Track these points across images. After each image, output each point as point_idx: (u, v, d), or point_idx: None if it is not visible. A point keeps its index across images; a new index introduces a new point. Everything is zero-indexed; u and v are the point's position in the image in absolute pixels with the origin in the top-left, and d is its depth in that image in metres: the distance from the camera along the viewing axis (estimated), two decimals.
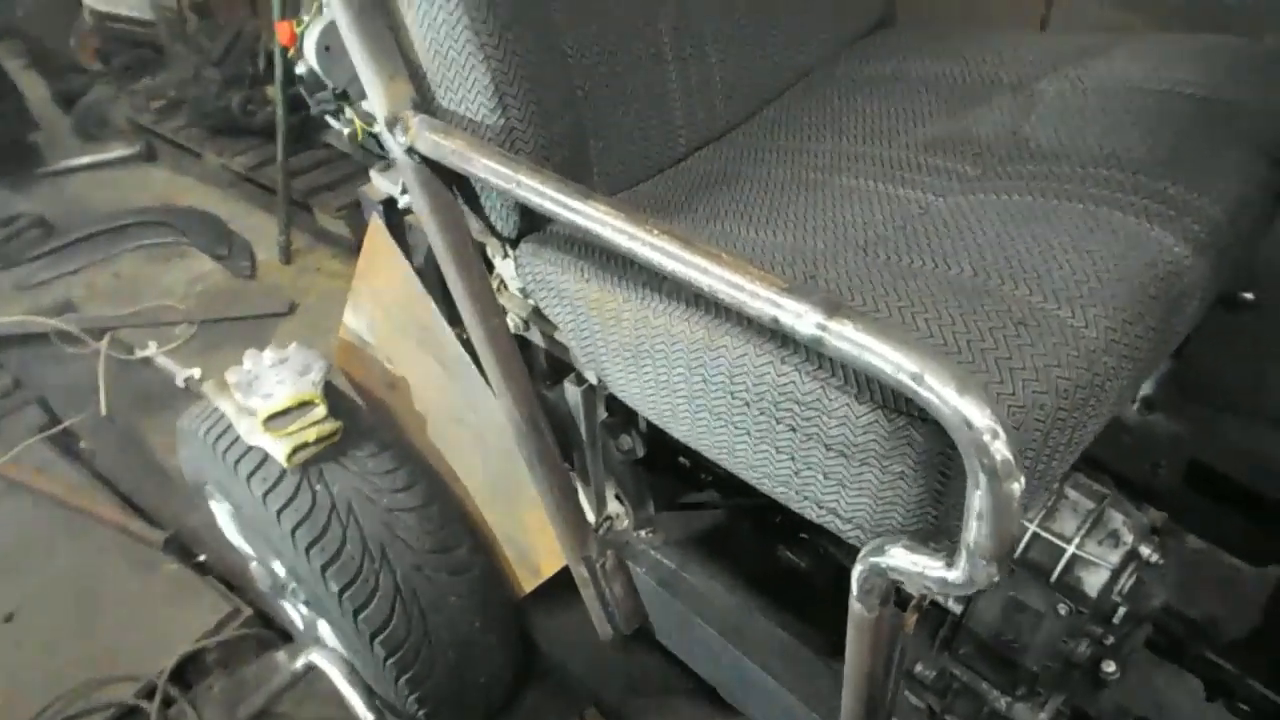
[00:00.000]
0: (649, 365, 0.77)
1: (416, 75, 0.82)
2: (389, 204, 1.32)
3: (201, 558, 1.95)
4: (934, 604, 1.05)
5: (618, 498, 1.12)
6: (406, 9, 0.78)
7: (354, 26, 0.77)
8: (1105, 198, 0.75)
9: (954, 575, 0.58)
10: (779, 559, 1.24)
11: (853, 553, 0.67)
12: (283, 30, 1.18)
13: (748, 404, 0.69)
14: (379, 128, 0.82)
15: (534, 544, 1.21)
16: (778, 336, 0.65)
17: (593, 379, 0.92)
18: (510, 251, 0.92)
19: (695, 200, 0.93)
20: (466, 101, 0.79)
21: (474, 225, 0.91)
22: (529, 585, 1.28)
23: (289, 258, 2.65)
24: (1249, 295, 0.84)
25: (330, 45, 1.17)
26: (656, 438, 1.05)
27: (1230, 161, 0.78)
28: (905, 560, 0.62)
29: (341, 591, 1.19)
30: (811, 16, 1.10)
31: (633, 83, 0.95)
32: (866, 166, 0.92)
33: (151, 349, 2.38)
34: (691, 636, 1.03)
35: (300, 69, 1.19)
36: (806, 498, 0.71)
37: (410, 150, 0.81)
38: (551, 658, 1.46)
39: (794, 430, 0.69)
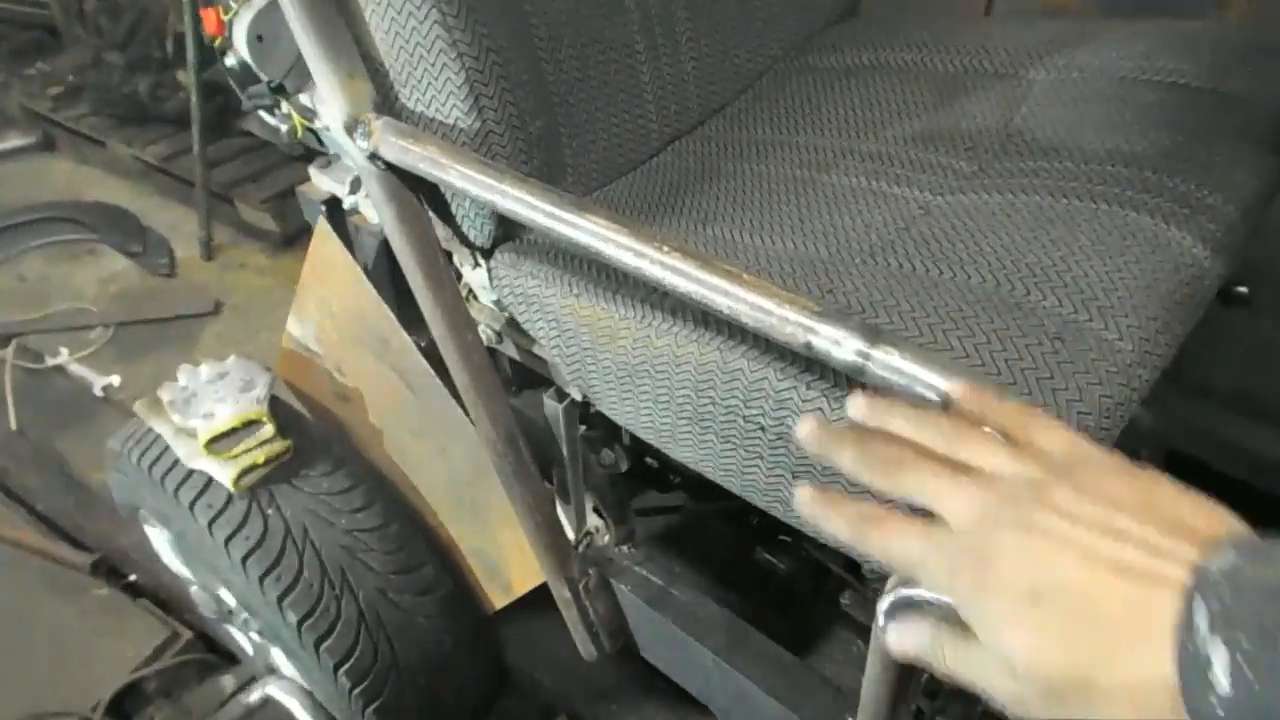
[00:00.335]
0: (647, 385, 0.72)
1: (377, 73, 0.74)
2: (332, 204, 1.23)
3: (132, 578, 1.83)
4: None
5: (596, 511, 1.07)
6: (365, 1, 0.70)
7: (305, 20, 0.69)
8: (1116, 196, 0.72)
9: None
10: (762, 565, 1.21)
11: (837, 555, 0.63)
12: (208, 18, 1.07)
13: (763, 429, 0.65)
14: (336, 133, 0.74)
15: (505, 560, 1.15)
16: (801, 360, 0.60)
17: (576, 395, 0.87)
18: (482, 261, 0.85)
19: (679, 202, 0.88)
20: (436, 103, 0.72)
21: (440, 233, 0.84)
22: (500, 602, 1.22)
23: (211, 254, 2.50)
24: (1243, 289, 0.83)
25: (263, 34, 1.07)
26: (635, 448, 1.00)
27: (1234, 155, 0.76)
28: None
29: (300, 622, 1.12)
30: (782, 3, 1.05)
31: (605, 76, 0.89)
32: (854, 163, 0.88)
33: (63, 356, 2.22)
34: (682, 654, 0.99)
35: (229, 61, 1.09)
36: None
37: (373, 156, 0.73)
38: (521, 669, 1.41)
39: None
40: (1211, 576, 0.33)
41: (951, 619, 0.40)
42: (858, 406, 0.46)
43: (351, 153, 0.75)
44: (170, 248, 2.54)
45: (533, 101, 0.76)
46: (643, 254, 0.58)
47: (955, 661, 0.40)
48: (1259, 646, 0.30)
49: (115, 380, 2.16)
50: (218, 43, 1.09)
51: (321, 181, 1.21)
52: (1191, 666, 0.32)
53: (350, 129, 0.73)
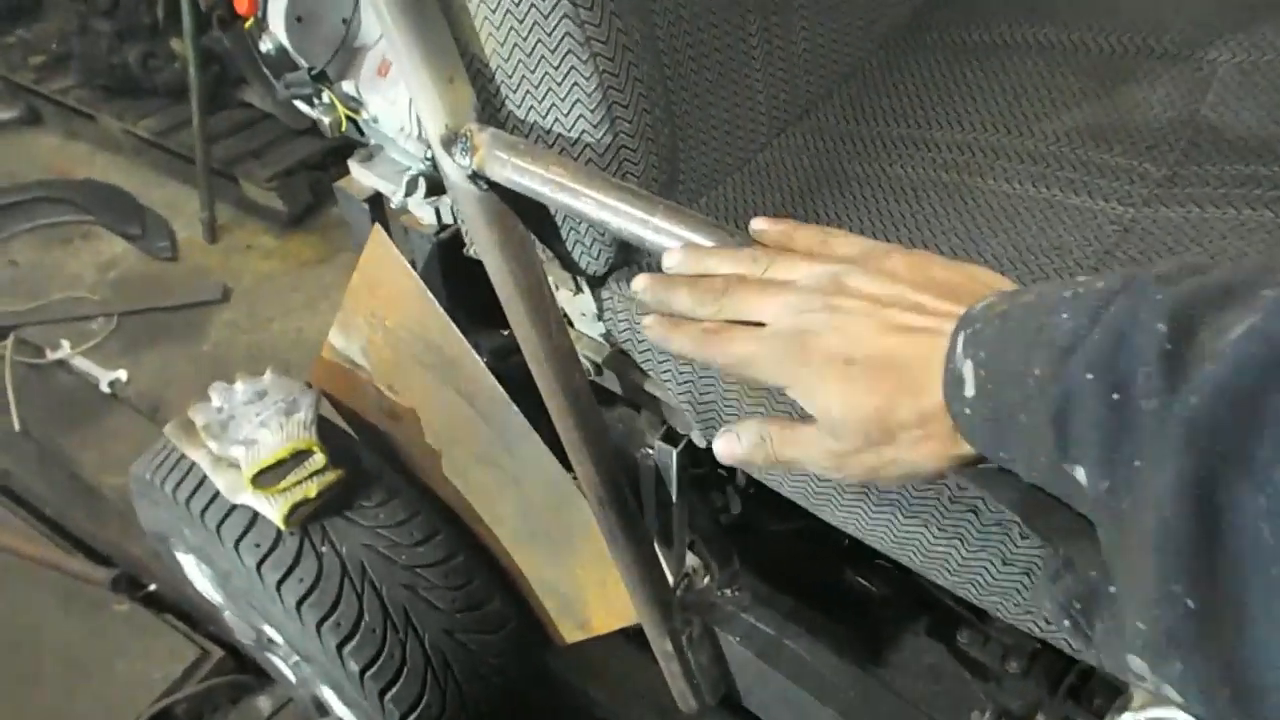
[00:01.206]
0: None
1: (479, 76, 0.61)
2: (375, 202, 1.10)
3: (152, 587, 1.72)
4: (1044, 644, 0.94)
5: (691, 547, 0.96)
6: None
7: (398, 12, 0.56)
8: None
9: None
10: (854, 588, 1.11)
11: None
12: None
13: (975, 511, 0.54)
14: (432, 147, 0.61)
15: (583, 598, 1.05)
16: None
17: (700, 441, 0.75)
18: (587, 288, 0.73)
19: (809, 212, 0.76)
20: (556, 112, 0.60)
21: (540, 253, 0.72)
22: (573, 637, 1.12)
23: (214, 235, 2.35)
24: None
25: (303, 15, 0.93)
26: (748, 488, 0.89)
27: None
28: None
29: (363, 671, 1.01)
30: None
31: (720, 65, 0.76)
32: (1012, 165, 0.76)
33: (65, 349, 2.08)
34: (796, 712, 0.89)
35: (265, 45, 0.95)
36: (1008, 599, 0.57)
37: (475, 176, 0.61)
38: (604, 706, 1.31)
39: (1025, 539, 0.54)
40: (972, 314, 0.40)
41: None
42: (673, 257, 0.51)
43: (447, 170, 0.62)
44: (171, 229, 2.39)
45: (662, 107, 0.64)
46: None
47: (782, 444, 0.48)
48: (991, 354, 0.38)
49: (122, 375, 2.03)
50: (249, 25, 0.96)
51: (364, 177, 1.08)
52: (952, 382, 0.39)
53: (448, 143, 0.60)
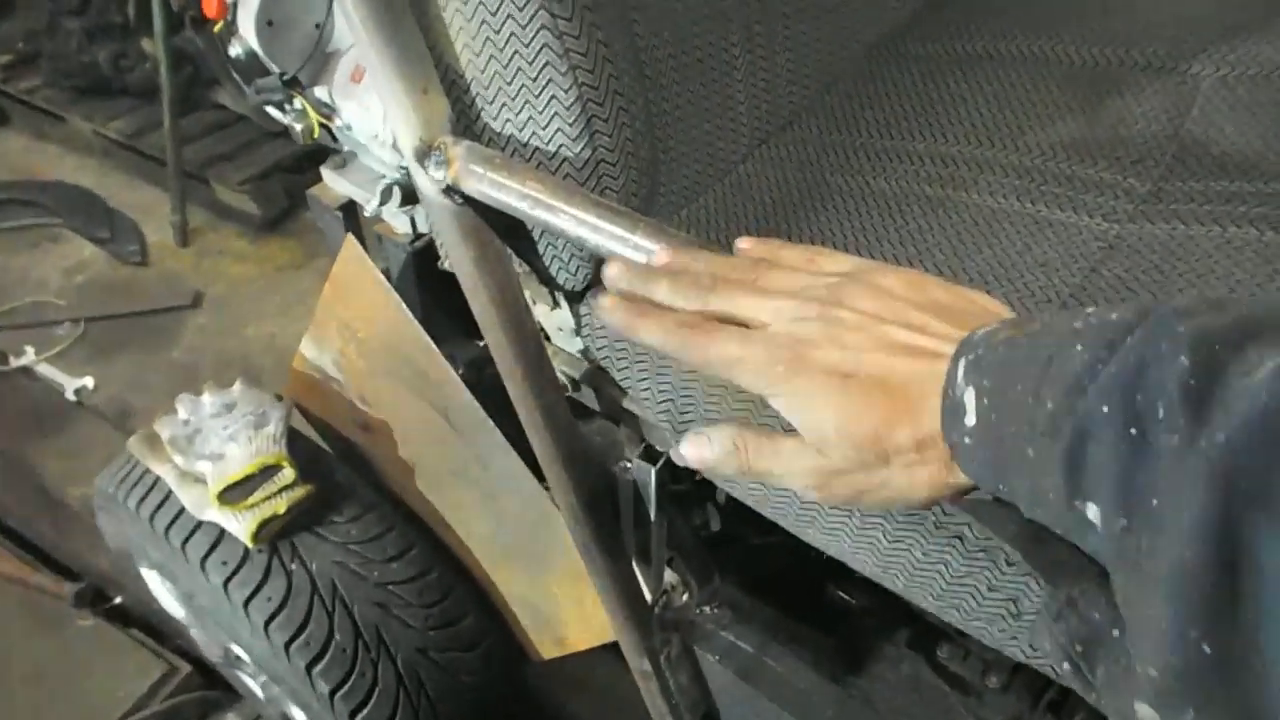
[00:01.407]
0: None
1: (454, 87, 0.60)
2: (349, 210, 1.08)
3: (118, 600, 1.68)
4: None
5: (670, 563, 0.94)
6: (447, 1, 0.55)
7: (371, 21, 0.54)
8: None
9: None
10: (835, 602, 1.10)
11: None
12: (209, 0, 0.91)
13: (961, 539, 0.52)
14: (407, 160, 0.59)
15: (563, 616, 1.03)
16: None
17: (679, 459, 0.74)
18: (565, 303, 0.72)
19: (792, 225, 0.75)
20: (534, 125, 0.58)
21: (517, 269, 0.70)
22: (550, 653, 1.10)
23: (186, 239, 2.31)
24: None
25: (274, 19, 0.91)
26: (730, 505, 0.88)
27: None
28: None
29: (334, 692, 0.99)
30: None
31: (702, 76, 0.74)
32: (997, 179, 0.75)
33: (29, 355, 2.04)
34: None
35: (235, 50, 0.93)
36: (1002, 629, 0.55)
37: (450, 189, 0.59)
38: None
39: (1011, 565, 0.53)
40: (974, 340, 0.39)
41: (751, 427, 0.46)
42: (662, 254, 0.48)
43: (421, 183, 0.60)
44: (141, 233, 2.34)
45: (643, 119, 0.62)
46: None
47: (757, 455, 0.45)
48: (995, 383, 0.36)
49: (89, 382, 1.99)
50: (218, 28, 0.93)
51: (337, 184, 1.06)
52: (951, 410, 0.38)
53: (422, 156, 0.58)
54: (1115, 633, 0.33)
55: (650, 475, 0.77)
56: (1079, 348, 0.33)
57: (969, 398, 0.37)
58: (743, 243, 0.50)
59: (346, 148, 1.05)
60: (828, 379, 0.41)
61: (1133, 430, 0.30)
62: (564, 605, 1.00)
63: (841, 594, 1.09)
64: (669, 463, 0.77)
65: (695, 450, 0.48)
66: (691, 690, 0.91)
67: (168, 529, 1.01)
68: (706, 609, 0.92)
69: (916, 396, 0.40)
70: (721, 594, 0.92)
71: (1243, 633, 0.27)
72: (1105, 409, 0.31)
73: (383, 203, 0.97)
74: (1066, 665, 0.35)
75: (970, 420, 0.37)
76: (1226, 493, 0.27)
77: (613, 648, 1.03)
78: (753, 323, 0.44)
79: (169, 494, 1.03)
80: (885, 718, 0.84)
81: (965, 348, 0.38)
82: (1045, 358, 0.34)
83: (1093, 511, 0.32)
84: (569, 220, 0.53)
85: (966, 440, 0.37)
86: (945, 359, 0.39)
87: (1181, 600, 0.28)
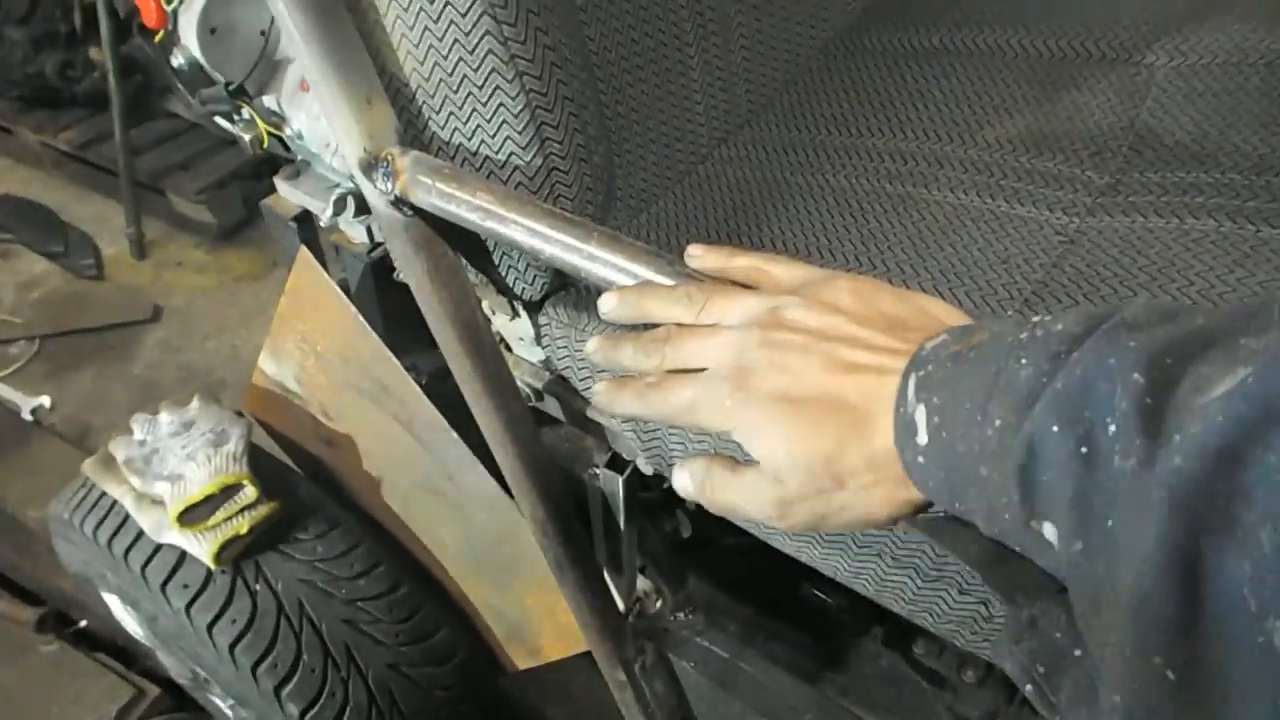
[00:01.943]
0: None
1: (399, 96, 0.58)
2: (304, 220, 1.06)
3: (83, 624, 1.64)
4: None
5: (642, 570, 0.93)
6: (387, 6, 0.53)
7: (309, 28, 0.52)
8: None
9: None
10: (811, 601, 1.09)
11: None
12: (147, 9, 0.88)
13: (905, 531, 0.52)
14: (352, 172, 0.58)
15: (536, 626, 1.01)
16: None
17: (646, 469, 0.73)
18: (524, 313, 0.70)
19: (748, 226, 0.74)
20: (482, 134, 0.56)
21: (471, 276, 0.68)
22: (524, 664, 1.08)
23: (143, 251, 2.26)
24: None
25: (218, 26, 0.89)
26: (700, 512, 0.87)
27: None
28: None
29: (303, 714, 0.97)
30: None
31: (656, 77, 0.73)
32: (956, 174, 0.74)
33: None
34: None
35: (178, 59, 0.90)
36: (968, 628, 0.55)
37: (399, 201, 0.57)
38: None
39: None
40: (923, 355, 0.38)
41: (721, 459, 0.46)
42: (608, 303, 0.48)
43: (369, 196, 0.59)
44: (95, 246, 2.29)
45: (596, 124, 0.61)
46: None
47: (721, 488, 0.45)
48: (945, 401, 0.35)
49: (46, 401, 1.94)
50: (159, 38, 0.90)
51: (291, 195, 1.03)
52: (903, 428, 0.37)
53: (368, 168, 0.57)
54: (1077, 653, 0.32)
55: (618, 485, 0.76)
56: (1023, 361, 0.32)
57: (920, 416, 0.36)
58: (695, 250, 0.50)
59: (299, 157, 1.03)
60: (774, 407, 0.41)
61: (1084, 449, 0.29)
62: (537, 615, 0.99)
63: (816, 592, 1.09)
64: (637, 471, 0.76)
65: (679, 483, 0.48)
66: (668, 698, 0.90)
67: (126, 553, 0.98)
68: (681, 615, 0.91)
69: (864, 415, 0.39)
70: (696, 598, 0.91)
71: (1206, 659, 0.26)
72: (1055, 428, 0.30)
73: (337, 213, 0.95)
74: (1029, 687, 0.34)
75: (923, 439, 0.36)
76: (1185, 518, 0.26)
77: (589, 654, 1.02)
78: (705, 364, 0.44)
79: (127, 517, 1.00)
80: (863, 713, 0.83)
81: (915, 364, 0.38)
82: (991, 373, 0.33)
83: (1049, 531, 0.31)
84: (521, 231, 0.52)
85: (920, 459, 0.36)
86: (892, 375, 0.39)
87: (1143, 627, 0.27)
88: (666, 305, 0.46)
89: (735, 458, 0.46)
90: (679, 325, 0.46)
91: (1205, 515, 0.26)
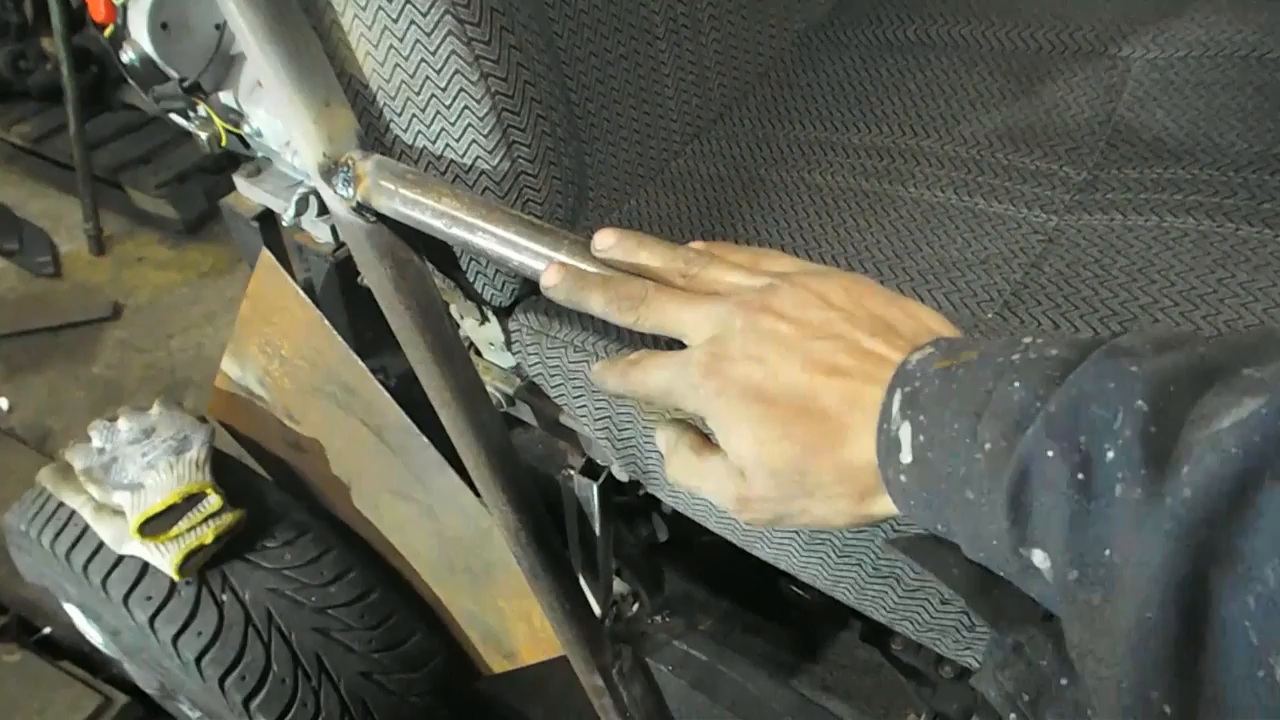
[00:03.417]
0: None
1: (359, 98, 0.55)
2: (266, 219, 1.03)
3: (46, 631, 1.61)
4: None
5: (618, 574, 0.92)
6: (344, 4, 0.51)
7: (263, 30, 0.50)
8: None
9: None
10: (789, 598, 1.09)
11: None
12: (95, 3, 0.85)
13: (887, 538, 0.51)
14: (311, 178, 0.55)
15: (511, 631, 1.00)
16: None
17: (621, 476, 0.71)
18: (493, 318, 0.68)
19: (726, 223, 0.72)
20: (446, 138, 0.54)
21: (438, 281, 0.66)
22: (500, 667, 1.07)
23: (102, 247, 2.20)
24: None
25: (169, 21, 0.85)
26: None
27: None
28: None
29: None
30: None
31: (626, 72, 0.71)
32: (932, 170, 0.73)
33: None
34: None
35: (128, 55, 0.87)
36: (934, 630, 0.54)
37: (361, 207, 0.55)
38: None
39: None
40: (909, 370, 0.37)
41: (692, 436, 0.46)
42: (607, 239, 0.45)
43: (330, 202, 0.56)
44: (52, 243, 2.23)
45: (565, 125, 0.59)
46: None
47: (685, 470, 0.45)
48: (931, 419, 0.34)
49: (3, 404, 1.89)
50: (109, 33, 0.87)
51: (252, 193, 1.00)
52: (886, 445, 0.36)
53: (327, 173, 0.54)
54: (1064, 682, 0.31)
55: (593, 491, 0.75)
56: (1016, 384, 0.31)
57: (904, 433, 0.35)
58: (695, 246, 0.48)
59: (260, 154, 1.00)
60: (746, 402, 0.39)
61: (1080, 475, 0.28)
62: (511, 620, 0.97)
63: (794, 589, 1.08)
64: (611, 476, 0.75)
65: (657, 439, 0.48)
66: (646, 702, 0.89)
67: (86, 565, 0.95)
68: (658, 619, 0.90)
69: (838, 424, 0.38)
70: (673, 601, 0.90)
71: (1205, 694, 0.25)
72: (1050, 453, 0.29)
73: (299, 212, 0.92)
74: (1013, 716, 0.33)
75: (906, 458, 0.35)
76: (1192, 550, 0.25)
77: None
78: (682, 333, 0.43)
79: (86, 529, 0.97)
80: (842, 710, 0.83)
81: (900, 379, 0.36)
82: (982, 393, 0.32)
83: (1039, 558, 0.30)
84: (488, 238, 0.50)
85: (903, 478, 0.35)
86: (872, 382, 0.37)
87: (1142, 659, 0.26)
88: (662, 256, 0.45)
89: (709, 436, 0.45)
90: (658, 287, 0.44)
91: (1212, 548, 0.25)
